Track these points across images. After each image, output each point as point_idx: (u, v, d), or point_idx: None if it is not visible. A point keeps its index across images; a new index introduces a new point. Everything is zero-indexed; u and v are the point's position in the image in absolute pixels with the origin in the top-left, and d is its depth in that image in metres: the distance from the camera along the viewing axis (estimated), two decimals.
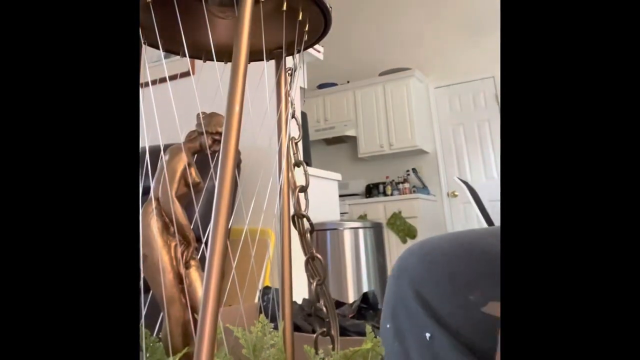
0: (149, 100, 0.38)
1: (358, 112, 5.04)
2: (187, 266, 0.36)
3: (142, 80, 0.39)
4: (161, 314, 0.37)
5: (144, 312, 0.36)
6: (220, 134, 0.37)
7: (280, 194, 0.44)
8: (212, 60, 0.40)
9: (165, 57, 0.42)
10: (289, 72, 0.43)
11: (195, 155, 0.40)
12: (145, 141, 0.36)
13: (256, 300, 1.33)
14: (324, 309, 0.46)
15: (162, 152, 0.37)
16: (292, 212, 0.45)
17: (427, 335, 0.50)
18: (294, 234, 0.45)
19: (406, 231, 4.32)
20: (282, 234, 0.42)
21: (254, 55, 0.41)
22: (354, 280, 2.67)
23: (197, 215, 0.37)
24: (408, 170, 4.96)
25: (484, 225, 2.46)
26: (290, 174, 0.43)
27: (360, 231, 2.75)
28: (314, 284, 0.45)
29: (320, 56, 2.80)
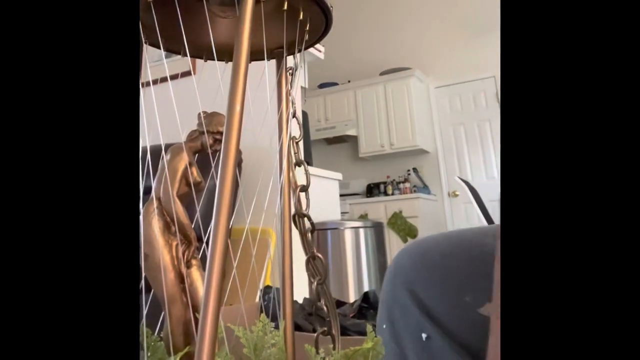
0: (150, 99, 0.38)
1: (359, 111, 5.04)
2: (188, 265, 0.36)
3: (143, 80, 0.39)
4: (162, 313, 0.37)
5: (145, 312, 0.36)
6: (221, 133, 0.37)
7: (281, 194, 0.44)
8: (213, 59, 0.40)
9: (166, 57, 0.42)
10: (290, 71, 0.43)
11: (197, 155, 0.40)
12: (147, 141, 0.36)
13: (257, 299, 1.33)
14: (325, 308, 0.46)
15: (163, 152, 0.37)
16: (293, 211, 0.45)
17: (424, 335, 0.50)
18: (295, 233, 0.45)
19: (407, 231, 4.32)
20: (283, 233, 0.42)
21: (255, 55, 0.41)
22: (355, 280, 2.67)
23: (198, 214, 0.37)
24: (409, 170, 4.96)
25: (485, 225, 2.45)
26: (291, 174, 0.43)
27: (361, 231, 2.75)
28: (315, 283, 0.45)
29: (321, 56, 2.80)
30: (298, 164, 0.45)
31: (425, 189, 4.81)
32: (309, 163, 2.62)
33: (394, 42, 5.22)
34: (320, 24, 0.40)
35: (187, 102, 0.50)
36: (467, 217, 4.57)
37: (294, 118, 0.43)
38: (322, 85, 5.27)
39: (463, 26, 4.83)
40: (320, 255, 0.45)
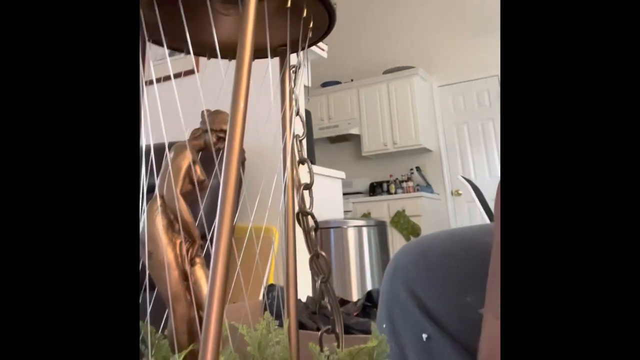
0: (153, 98, 0.38)
1: (362, 110, 5.04)
2: (192, 263, 0.36)
3: (147, 78, 0.39)
4: (166, 311, 0.37)
5: (149, 309, 0.36)
6: (224, 131, 0.37)
7: (285, 192, 0.44)
8: (217, 57, 0.40)
9: (170, 55, 0.42)
10: (293, 69, 0.43)
11: (200, 153, 0.40)
12: (150, 139, 0.36)
13: (261, 297, 1.33)
14: (329, 306, 0.46)
15: (167, 150, 0.37)
16: (296, 209, 0.45)
17: (424, 336, 0.49)
18: (299, 231, 0.45)
19: (410, 230, 4.32)
20: (287, 231, 0.42)
21: (258, 53, 0.41)
22: (358, 279, 2.67)
23: (202, 212, 0.37)
24: (412, 169, 4.96)
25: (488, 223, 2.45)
26: (294, 172, 0.43)
27: (364, 229, 2.75)
28: (319, 281, 0.45)
29: (324, 54, 2.80)
30: (301, 162, 0.45)
31: (428, 187, 4.80)
32: (312, 162, 2.62)
33: (398, 40, 5.21)
34: (324, 21, 0.40)
35: (191, 101, 0.50)
36: (470, 216, 4.57)
37: (298, 116, 0.43)
38: (325, 84, 5.27)
39: (466, 25, 4.82)
40: (324, 253, 0.45)
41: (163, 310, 0.37)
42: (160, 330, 0.39)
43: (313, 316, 1.38)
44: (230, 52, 0.44)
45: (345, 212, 3.86)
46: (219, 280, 0.27)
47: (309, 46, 0.41)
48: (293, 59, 0.44)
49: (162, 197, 0.36)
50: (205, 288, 0.37)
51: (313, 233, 0.44)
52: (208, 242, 0.35)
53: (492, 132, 4.68)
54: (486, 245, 0.52)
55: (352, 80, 5.14)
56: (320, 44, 2.82)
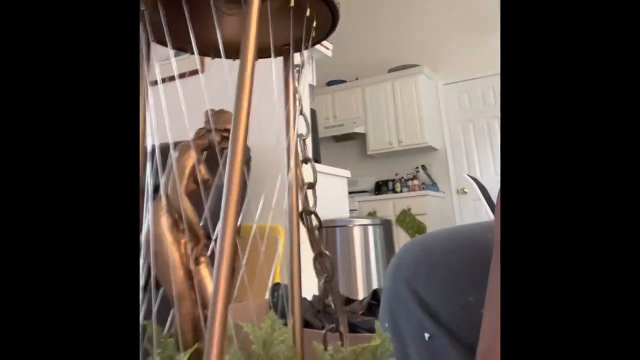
0: (158, 98, 0.38)
1: (367, 109, 5.03)
2: (196, 262, 0.36)
3: (151, 79, 0.39)
4: (172, 310, 0.37)
5: (155, 308, 0.37)
6: (228, 130, 0.37)
7: (289, 191, 0.44)
8: (221, 57, 0.40)
9: (176, 55, 0.42)
10: (297, 68, 0.43)
11: (205, 153, 0.40)
12: (155, 139, 0.37)
13: (266, 296, 1.33)
14: (333, 305, 0.46)
15: (171, 150, 0.37)
16: (300, 208, 0.45)
17: (427, 335, 0.49)
18: (303, 230, 0.45)
19: (415, 228, 4.31)
20: (291, 230, 0.42)
21: (262, 52, 0.41)
22: (364, 277, 2.67)
23: (206, 212, 0.37)
24: (417, 167, 4.95)
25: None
26: (298, 171, 0.43)
27: (370, 228, 2.75)
28: (322, 280, 0.45)
29: (329, 53, 2.80)
30: (305, 161, 0.45)
31: (433, 186, 4.79)
32: (317, 161, 2.63)
33: (402, 39, 5.20)
34: (327, 20, 0.40)
35: (197, 101, 0.50)
36: (476, 214, 4.55)
37: (301, 115, 0.43)
38: (330, 83, 5.27)
39: (472, 23, 4.80)
40: (328, 252, 0.45)
41: (169, 309, 0.38)
42: (166, 329, 0.39)
43: (318, 315, 1.38)
44: (234, 51, 0.44)
45: (351, 211, 3.86)
46: (223, 279, 0.27)
47: (313, 45, 0.41)
48: (297, 58, 0.44)
49: (167, 196, 0.36)
50: (210, 287, 0.37)
51: (317, 232, 0.44)
52: (213, 241, 0.35)
53: (497, 130, 4.65)
54: (487, 242, 0.51)
55: (357, 79, 5.13)
56: (325, 42, 2.82)
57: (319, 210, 0.46)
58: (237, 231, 0.29)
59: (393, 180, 4.90)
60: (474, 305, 0.48)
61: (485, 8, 4.64)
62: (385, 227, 2.86)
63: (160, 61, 0.40)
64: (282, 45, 0.42)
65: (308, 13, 0.37)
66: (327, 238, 2.65)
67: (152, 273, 0.36)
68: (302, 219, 0.45)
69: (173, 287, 0.35)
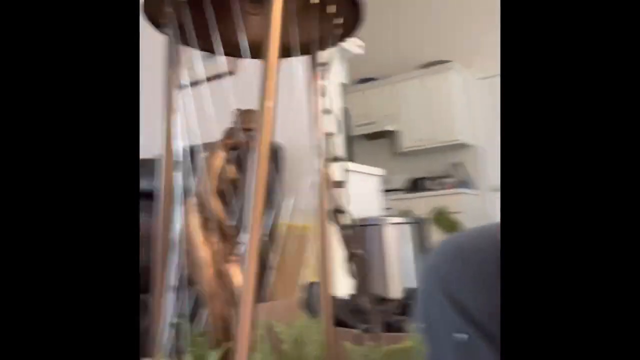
0: (194, 98, 0.38)
1: (398, 106, 4.98)
2: (226, 261, 0.36)
3: (185, 80, 0.40)
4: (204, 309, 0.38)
5: (188, 307, 0.37)
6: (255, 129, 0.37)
7: (319, 190, 0.44)
8: (248, 57, 0.41)
9: (210, 57, 0.42)
10: (323, 66, 0.43)
11: (235, 152, 0.40)
12: (185, 140, 0.37)
13: (301, 295, 1.34)
14: (366, 305, 0.45)
15: (201, 150, 0.38)
16: (330, 207, 0.45)
17: (462, 336, 0.48)
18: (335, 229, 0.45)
19: (451, 227, 4.23)
20: (321, 229, 0.42)
21: (289, 51, 0.41)
22: (399, 277, 2.64)
23: (236, 210, 0.37)
24: (451, 165, 4.86)
25: None
26: (327, 170, 0.43)
27: (404, 227, 2.72)
28: (355, 280, 0.45)
29: (361, 51, 2.78)
30: (334, 159, 0.45)
31: (469, 183, 4.70)
32: (350, 159, 2.61)
33: (433, 34, 5.12)
34: (352, 17, 0.40)
35: (231, 101, 0.51)
36: None
37: (330, 114, 0.43)
38: (361, 81, 5.24)
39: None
40: (359, 251, 0.45)
41: (201, 308, 0.38)
42: (198, 327, 0.39)
43: (354, 314, 1.37)
44: (262, 51, 0.44)
45: (384, 209, 3.83)
46: (251, 276, 0.27)
47: (339, 42, 0.41)
48: (324, 56, 0.44)
49: (197, 196, 0.36)
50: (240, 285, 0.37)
51: (347, 231, 0.44)
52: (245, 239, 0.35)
53: None
54: None
55: (388, 77, 5.08)
56: (356, 40, 2.81)
57: (351, 209, 0.45)
58: (273, 230, 0.29)
59: (427, 178, 4.83)
60: None
61: None
62: (420, 225, 2.82)
63: (194, 63, 0.41)
64: (307, 44, 0.42)
65: (331, 10, 0.37)
66: (360, 237, 2.64)
67: (185, 271, 0.36)
68: (333, 218, 0.45)
69: (204, 286, 0.35)
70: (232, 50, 0.43)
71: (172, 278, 0.34)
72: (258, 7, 0.38)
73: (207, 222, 0.35)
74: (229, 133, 0.38)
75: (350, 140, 2.74)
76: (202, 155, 0.37)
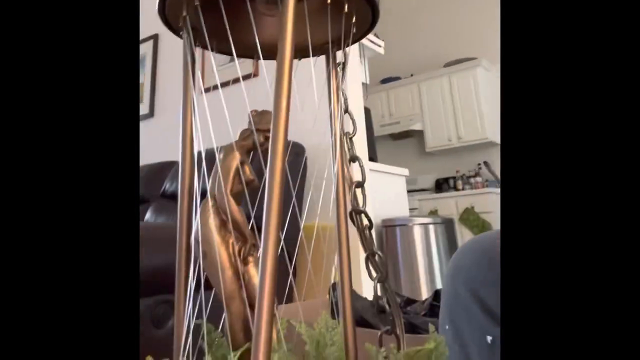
0: (210, 102, 0.39)
1: (423, 105, 4.93)
2: (245, 262, 0.37)
3: (211, 83, 0.40)
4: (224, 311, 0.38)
5: (207, 309, 0.37)
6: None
7: (338, 190, 0.44)
8: (264, 59, 0.41)
9: (231, 60, 0.43)
10: (340, 66, 0.43)
11: (252, 153, 0.41)
12: (201, 143, 0.37)
13: (326, 296, 1.34)
14: (387, 307, 0.45)
15: (216, 152, 0.38)
16: (350, 208, 0.45)
17: (489, 338, 0.47)
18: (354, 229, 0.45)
19: (480, 227, 4.16)
20: (338, 230, 0.41)
21: (304, 52, 0.40)
22: (426, 277, 2.61)
23: (252, 212, 0.37)
24: (479, 164, 4.78)
25: None
26: (345, 170, 0.43)
27: (431, 227, 2.69)
28: (375, 281, 0.45)
29: (381, 50, 2.77)
30: (352, 160, 0.44)
31: (497, 182, 4.61)
32: (374, 159, 2.60)
33: (457, 32, 5.05)
34: (368, 16, 0.39)
35: (251, 104, 0.51)
36: None
37: (347, 113, 0.43)
38: (384, 81, 5.21)
39: None
40: (379, 252, 0.44)
41: (222, 309, 0.38)
42: (219, 329, 0.40)
43: (379, 315, 1.36)
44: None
45: (411, 209, 3.79)
46: (269, 279, 0.27)
47: (355, 42, 0.40)
48: (340, 56, 0.44)
49: (213, 197, 0.37)
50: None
51: (367, 232, 0.43)
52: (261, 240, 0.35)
53: None
54: None
55: (412, 75, 5.04)
56: (376, 40, 2.80)
57: (377, 210, 0.45)
58: (296, 231, 0.28)
59: (454, 178, 4.77)
60: None
61: None
62: (447, 225, 2.79)
63: (218, 66, 0.41)
64: (323, 43, 0.42)
65: (346, 9, 0.37)
66: (387, 237, 2.62)
67: (203, 273, 0.36)
68: (352, 219, 0.45)
69: (222, 287, 0.35)
70: (250, 52, 0.43)
71: (193, 279, 0.34)
72: (273, 7, 0.38)
73: (224, 223, 0.36)
74: (245, 134, 0.38)
75: (372, 141, 2.72)
76: (219, 157, 0.37)
